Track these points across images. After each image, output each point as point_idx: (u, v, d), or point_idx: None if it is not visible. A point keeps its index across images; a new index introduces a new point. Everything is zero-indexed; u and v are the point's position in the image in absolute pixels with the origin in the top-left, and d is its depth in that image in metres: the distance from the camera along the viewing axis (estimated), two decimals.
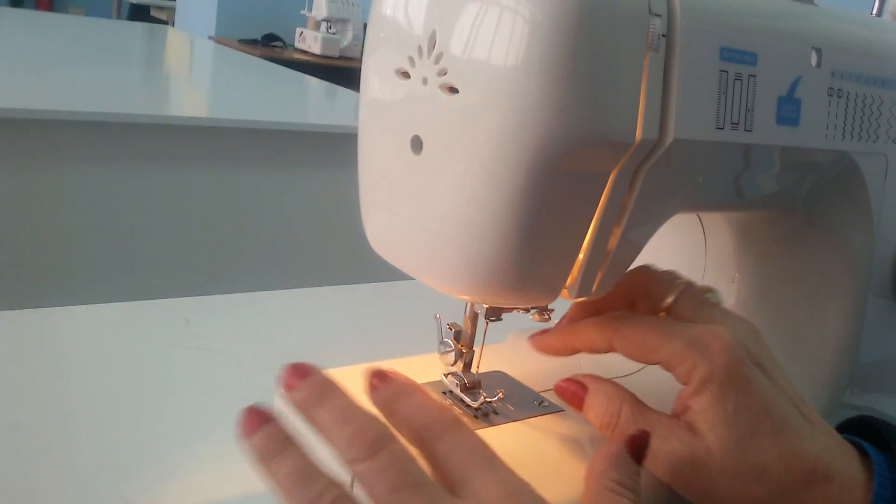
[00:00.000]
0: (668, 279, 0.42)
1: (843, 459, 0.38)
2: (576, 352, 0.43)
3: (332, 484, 0.32)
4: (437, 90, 0.36)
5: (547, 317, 0.44)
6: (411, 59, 0.37)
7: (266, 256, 1.63)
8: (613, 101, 0.35)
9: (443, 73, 0.36)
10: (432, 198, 0.38)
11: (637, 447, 0.35)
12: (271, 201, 1.62)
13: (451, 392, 0.46)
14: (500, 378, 0.49)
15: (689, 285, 0.42)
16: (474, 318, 0.45)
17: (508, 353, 0.53)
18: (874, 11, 0.55)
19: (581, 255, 0.38)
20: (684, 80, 0.36)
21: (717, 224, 0.50)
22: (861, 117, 0.45)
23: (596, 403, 0.40)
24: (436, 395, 0.46)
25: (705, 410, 0.37)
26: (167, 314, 0.73)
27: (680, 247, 0.53)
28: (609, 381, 0.41)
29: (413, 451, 0.34)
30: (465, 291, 0.39)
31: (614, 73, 0.34)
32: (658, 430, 0.38)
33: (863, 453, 0.39)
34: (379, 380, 0.36)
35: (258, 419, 0.34)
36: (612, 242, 0.39)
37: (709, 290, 0.45)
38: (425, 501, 0.31)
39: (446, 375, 0.46)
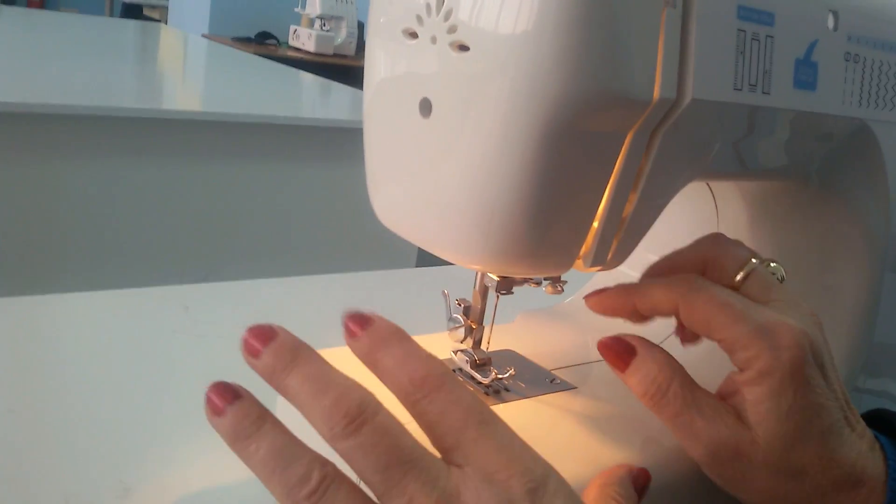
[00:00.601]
0: (740, 253, 0.40)
1: (874, 464, 0.38)
2: (634, 313, 0.40)
3: (319, 460, 0.29)
4: (447, 48, 0.35)
5: (560, 289, 0.43)
6: (419, 18, 0.36)
7: (263, 247, 1.62)
8: (630, 58, 0.33)
9: (452, 30, 0.34)
10: (442, 163, 0.37)
11: (640, 483, 0.35)
12: (266, 193, 1.61)
13: (460, 369, 0.45)
14: (510, 356, 0.48)
15: (761, 264, 0.40)
16: (484, 292, 0.43)
17: (518, 332, 0.52)
18: None
19: (596, 223, 0.37)
20: (702, 39, 0.35)
21: (730, 196, 0.49)
22: (878, 84, 0.44)
23: (643, 369, 0.37)
24: None
25: (759, 402, 0.36)
26: (166, 301, 0.72)
27: (692, 220, 0.52)
28: (660, 348, 0.38)
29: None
30: (477, 260, 0.38)
31: (631, 30, 0.33)
32: (706, 411, 0.36)
33: (881, 449, 0.39)
34: (358, 325, 0.32)
35: (227, 396, 0.31)
36: (628, 209, 0.38)
37: (773, 261, 0.43)
38: (421, 480, 0.28)
39: (456, 353, 0.45)
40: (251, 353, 0.31)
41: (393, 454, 0.29)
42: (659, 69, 0.34)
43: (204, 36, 3.88)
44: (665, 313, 0.39)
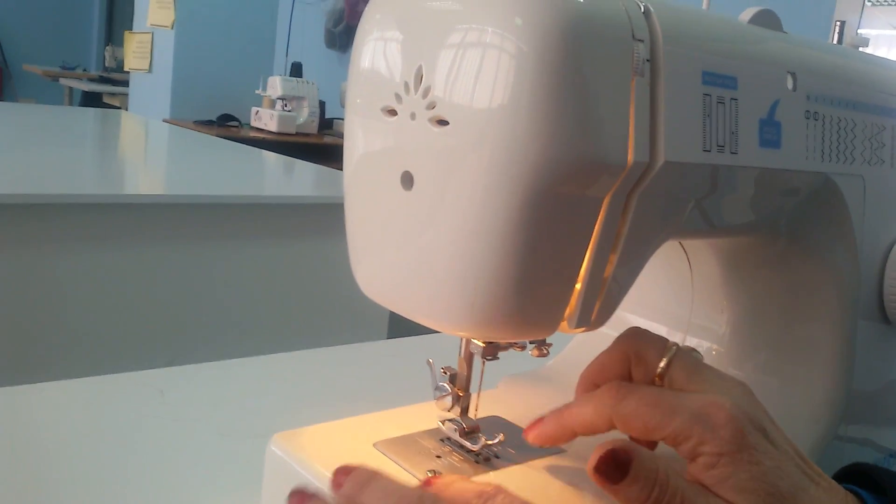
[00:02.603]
0: (659, 343, 0.42)
1: None
2: (575, 436, 0.41)
3: None
4: (427, 123, 0.36)
5: (546, 351, 0.43)
6: (398, 96, 0.37)
7: (234, 326, 1.60)
8: (603, 125, 0.35)
9: (431, 106, 0.35)
10: (426, 233, 0.37)
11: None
12: (233, 272, 1.60)
13: (449, 439, 0.44)
14: (497, 422, 0.48)
15: (680, 348, 0.42)
16: (470, 358, 0.44)
17: (502, 397, 0.52)
18: (833, 40, 0.57)
19: (579, 285, 0.38)
20: (671, 103, 0.36)
21: (703, 253, 0.50)
22: (837, 139, 0.46)
23: (643, 473, 0.36)
24: (434, 444, 0.44)
25: (722, 482, 0.36)
26: (140, 387, 0.71)
27: (667, 279, 0.53)
28: (644, 448, 0.38)
29: None
30: (463, 328, 0.38)
31: (602, 99, 0.35)
32: (700, 499, 0.36)
33: (861, 501, 0.39)
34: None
35: (301, 499, 0.36)
36: (609, 270, 0.38)
37: (691, 349, 0.44)
38: None
39: (444, 422, 0.45)
40: (335, 486, 0.36)
41: None
42: (631, 135, 0.35)
43: (165, 121, 3.90)
44: (603, 430, 0.40)
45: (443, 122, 0.35)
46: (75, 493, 0.53)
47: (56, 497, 0.52)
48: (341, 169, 0.43)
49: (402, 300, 0.40)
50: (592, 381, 0.43)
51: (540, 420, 0.42)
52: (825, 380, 0.48)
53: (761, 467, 0.36)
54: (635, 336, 0.43)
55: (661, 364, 0.41)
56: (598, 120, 0.35)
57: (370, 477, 0.36)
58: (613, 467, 0.36)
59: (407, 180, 0.37)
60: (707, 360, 0.50)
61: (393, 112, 0.38)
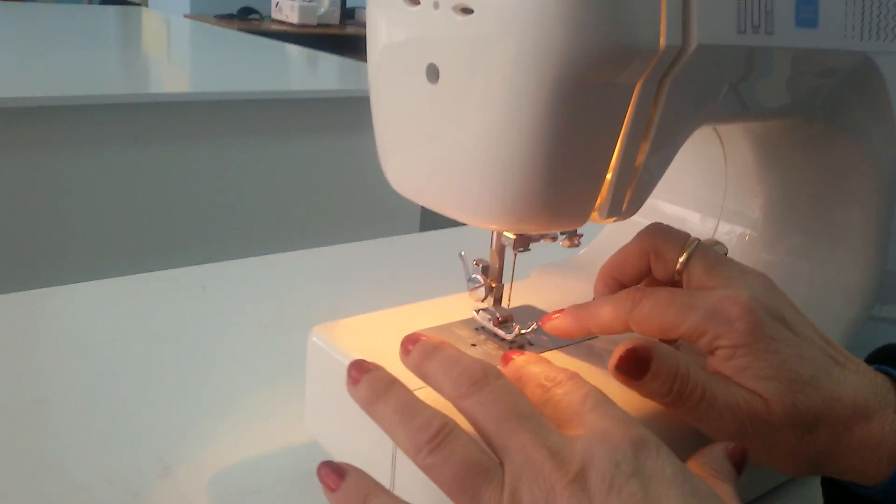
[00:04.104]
0: (679, 239, 0.42)
1: (878, 394, 0.38)
2: (590, 334, 0.42)
3: (440, 413, 0.33)
4: (450, 12, 0.35)
5: (577, 242, 0.43)
6: None
7: (266, 224, 1.63)
8: (634, 9, 0.33)
9: None
10: (454, 126, 0.37)
11: (736, 459, 0.35)
12: (261, 169, 1.61)
13: (483, 328, 0.45)
14: (530, 311, 0.49)
15: (700, 243, 0.42)
16: (501, 250, 0.44)
17: (534, 287, 0.53)
18: None
19: (609, 175, 0.38)
20: None
21: (736, 138, 0.50)
22: (878, 16, 0.45)
23: (664, 368, 0.37)
24: (469, 333, 0.45)
25: (741, 372, 0.37)
26: (182, 283, 0.73)
27: (700, 165, 0.52)
28: (663, 343, 0.38)
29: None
30: (494, 220, 0.38)
31: None
32: (721, 386, 0.37)
33: (894, 382, 0.39)
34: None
35: (362, 369, 0.36)
36: (640, 158, 0.38)
37: (716, 242, 0.44)
38: (532, 433, 0.31)
39: (478, 311, 0.46)
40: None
41: (510, 409, 0.32)
42: (663, 18, 0.34)
43: (186, 16, 3.84)
44: (619, 332, 0.41)
45: (467, 11, 0.34)
46: (122, 387, 0.55)
47: (103, 391, 0.55)
48: (365, 60, 0.43)
49: (432, 194, 0.40)
50: (613, 275, 0.44)
51: (559, 312, 0.43)
52: (858, 263, 0.48)
53: (780, 355, 0.37)
54: (656, 232, 0.43)
55: (681, 259, 0.41)
56: (629, 3, 0.33)
57: (437, 346, 0.36)
58: (634, 365, 0.37)
59: (432, 73, 0.37)
60: (740, 245, 0.51)
61: (415, 1, 0.37)
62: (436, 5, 0.36)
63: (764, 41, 0.38)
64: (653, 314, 0.39)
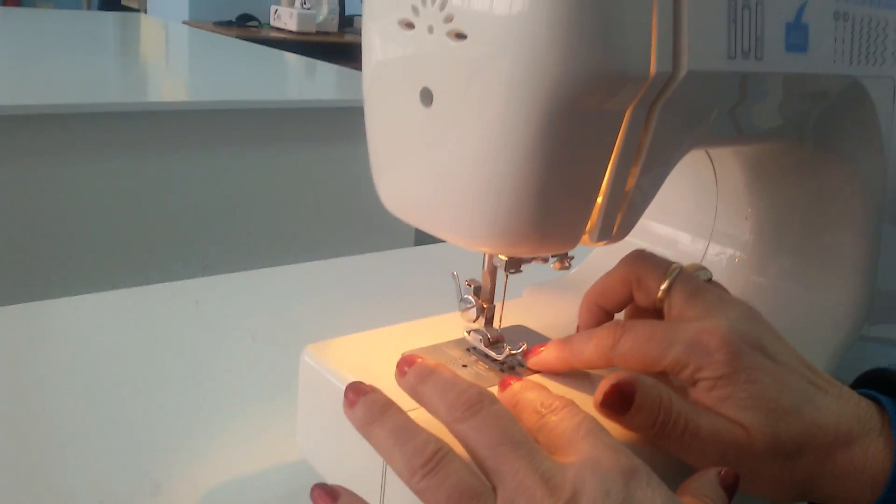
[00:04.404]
0: (660, 267, 0.42)
1: (861, 420, 0.38)
2: (575, 369, 0.43)
3: (435, 437, 0.33)
4: (445, 38, 0.35)
5: (567, 264, 0.43)
6: (415, 9, 0.36)
7: (262, 234, 1.63)
8: (626, 35, 0.34)
9: (449, 19, 0.35)
10: (446, 150, 0.37)
11: (728, 484, 0.35)
12: (258, 179, 1.61)
13: (475, 349, 0.46)
14: (521, 331, 0.49)
15: (682, 271, 0.42)
16: (493, 271, 0.44)
17: (526, 306, 0.53)
18: None
19: (600, 199, 0.38)
20: (694, 10, 0.35)
21: (728, 160, 0.50)
22: (867, 40, 0.45)
23: (648, 401, 0.37)
24: (460, 353, 0.45)
25: (722, 402, 0.38)
26: (176, 297, 0.73)
27: (691, 186, 0.52)
28: (645, 376, 0.39)
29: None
30: (485, 243, 0.39)
31: (625, 7, 0.34)
32: (702, 416, 0.37)
33: (881, 406, 0.39)
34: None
35: (359, 391, 0.36)
36: (630, 182, 0.38)
37: (700, 268, 0.45)
38: (524, 459, 0.32)
39: (469, 332, 0.46)
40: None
41: (503, 435, 0.33)
42: (654, 44, 0.34)
43: (185, 23, 3.85)
44: (602, 367, 0.42)
45: (461, 36, 0.35)
46: (114, 403, 0.55)
47: (94, 408, 0.55)
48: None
49: (425, 216, 0.40)
50: (597, 303, 0.45)
51: (543, 346, 0.43)
52: (847, 287, 0.48)
53: (759, 385, 0.37)
54: (638, 260, 0.43)
55: (662, 287, 0.42)
56: (620, 29, 0.34)
57: (433, 369, 0.37)
58: (619, 400, 0.37)
59: (426, 97, 0.37)
60: (730, 267, 0.51)
61: (410, 25, 0.37)
62: (430, 30, 0.36)
63: (754, 67, 0.39)
64: (634, 350, 0.39)
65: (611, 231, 0.39)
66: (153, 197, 1.49)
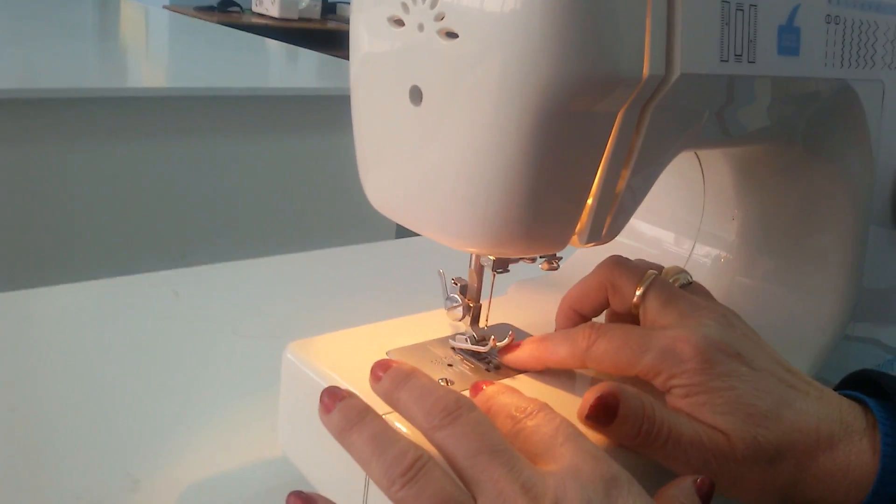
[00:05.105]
0: (636, 273, 0.42)
1: (844, 422, 0.38)
2: (548, 368, 0.43)
3: (414, 445, 0.33)
4: (435, 36, 0.35)
5: (555, 265, 0.43)
6: (405, 6, 0.36)
7: (242, 224, 1.61)
8: (618, 37, 0.33)
9: (440, 17, 0.34)
10: (435, 149, 0.37)
11: (703, 492, 0.35)
12: (240, 167, 1.60)
13: (460, 348, 0.45)
14: (506, 329, 0.48)
15: (657, 278, 0.42)
16: (480, 270, 0.44)
17: (512, 303, 0.52)
18: None
19: (590, 200, 0.38)
20: (688, 13, 0.35)
21: (716, 162, 0.50)
22: (858, 43, 0.45)
23: (631, 411, 0.37)
24: (445, 352, 0.45)
25: (701, 406, 0.38)
26: (154, 288, 0.72)
27: (679, 186, 0.52)
28: (628, 386, 0.39)
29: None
30: (473, 244, 0.38)
31: (618, 9, 0.33)
32: (683, 423, 0.37)
33: (866, 408, 0.39)
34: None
35: (335, 396, 0.35)
36: (621, 184, 0.38)
37: (679, 271, 0.44)
38: (504, 468, 0.31)
39: (455, 334, 0.45)
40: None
41: (482, 443, 0.32)
42: (647, 47, 0.34)
43: (165, 7, 3.80)
44: (575, 368, 0.42)
45: (452, 35, 0.34)
46: (91, 397, 0.55)
47: (71, 402, 0.54)
48: (347, 58, 0.42)
49: (412, 215, 0.40)
50: (573, 308, 0.45)
51: (519, 344, 0.43)
52: (832, 289, 0.48)
53: (735, 391, 0.37)
54: (613, 265, 0.43)
55: (637, 293, 0.42)
56: (613, 31, 0.33)
57: (409, 374, 0.36)
58: (603, 412, 0.37)
59: (416, 95, 0.37)
60: (715, 268, 0.51)
61: (400, 23, 0.37)
62: (420, 28, 0.35)
63: (746, 70, 0.39)
64: (608, 354, 0.39)
65: (600, 233, 0.39)
66: (131, 185, 1.47)
